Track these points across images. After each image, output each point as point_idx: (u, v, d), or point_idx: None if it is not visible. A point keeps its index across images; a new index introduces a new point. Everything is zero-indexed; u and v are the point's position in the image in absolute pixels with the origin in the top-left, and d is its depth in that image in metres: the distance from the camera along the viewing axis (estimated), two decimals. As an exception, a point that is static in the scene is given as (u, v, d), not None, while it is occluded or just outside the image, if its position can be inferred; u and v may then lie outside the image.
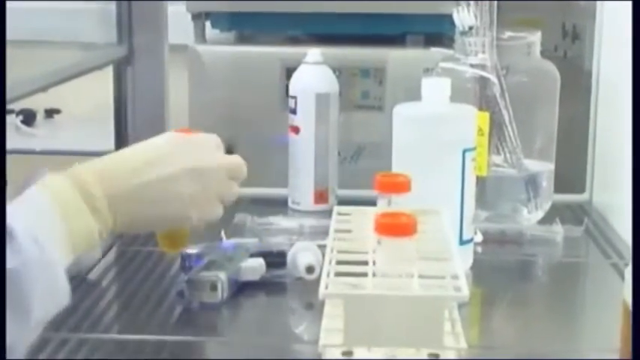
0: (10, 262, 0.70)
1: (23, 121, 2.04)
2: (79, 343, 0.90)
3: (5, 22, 0.82)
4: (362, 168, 1.54)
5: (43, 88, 1.21)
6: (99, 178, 0.81)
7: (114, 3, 1.42)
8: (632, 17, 1.02)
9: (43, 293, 0.73)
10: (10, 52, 1.26)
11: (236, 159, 0.92)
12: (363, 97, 1.55)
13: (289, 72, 1.49)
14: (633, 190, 0.90)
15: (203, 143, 0.90)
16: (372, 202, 0.96)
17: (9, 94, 1.15)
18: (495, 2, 1.21)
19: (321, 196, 1.35)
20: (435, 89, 1.08)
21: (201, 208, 0.87)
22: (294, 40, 1.59)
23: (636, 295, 0.79)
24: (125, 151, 0.87)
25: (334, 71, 1.38)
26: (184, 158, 0.86)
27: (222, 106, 1.58)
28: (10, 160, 2.00)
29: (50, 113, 2.13)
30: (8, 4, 0.88)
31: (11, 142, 1.96)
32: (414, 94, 1.12)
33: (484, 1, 1.21)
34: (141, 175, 0.84)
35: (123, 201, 0.82)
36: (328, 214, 1.20)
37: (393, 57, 1.52)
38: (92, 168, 0.82)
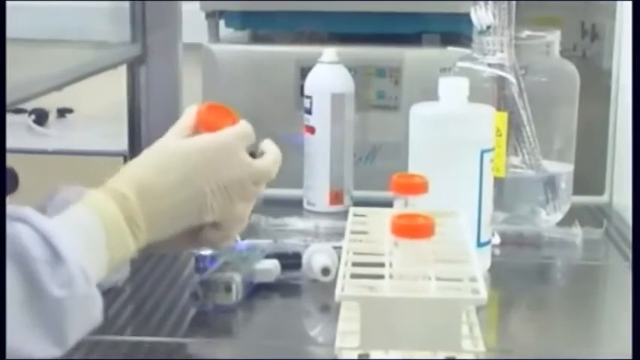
0: (59, 292, 0.73)
1: (35, 121, 2.05)
2: (93, 345, 0.90)
3: (5, 22, 0.82)
4: (377, 169, 1.54)
5: (57, 88, 1.22)
6: (139, 198, 0.83)
7: (128, 1, 1.42)
8: (632, 17, 1.03)
9: (80, 325, 0.75)
10: (23, 51, 1.27)
11: (261, 165, 0.92)
12: (379, 96, 1.55)
13: (304, 71, 1.49)
14: (633, 190, 0.90)
15: (229, 150, 0.90)
16: (387, 204, 0.96)
17: (22, 93, 1.16)
18: (514, 1, 1.21)
19: (336, 197, 1.35)
20: (453, 89, 1.08)
21: (220, 211, 0.88)
22: (309, 40, 1.59)
23: (636, 295, 0.79)
24: (159, 162, 0.87)
25: (349, 71, 1.38)
26: (212, 173, 0.87)
27: (236, 105, 1.57)
28: (23, 160, 2.02)
29: (62, 113, 2.14)
30: (22, 3, 0.89)
31: (23, 142, 1.97)
32: (430, 94, 1.12)
33: (502, 0, 1.21)
34: (174, 195, 0.86)
35: (157, 222, 0.85)
36: (343, 215, 1.20)
37: (410, 56, 1.52)
38: (131, 183, 0.84)
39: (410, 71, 1.52)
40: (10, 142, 2.13)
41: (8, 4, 0.92)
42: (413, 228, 0.83)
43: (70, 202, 0.87)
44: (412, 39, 1.56)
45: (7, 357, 0.69)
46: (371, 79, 1.53)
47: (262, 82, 1.57)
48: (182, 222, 0.87)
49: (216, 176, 0.88)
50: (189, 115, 0.93)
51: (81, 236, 0.78)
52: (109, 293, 1.03)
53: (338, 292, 0.81)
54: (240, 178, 0.89)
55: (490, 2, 1.21)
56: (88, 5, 1.54)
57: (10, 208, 0.77)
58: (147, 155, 0.88)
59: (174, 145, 0.89)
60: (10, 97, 1.14)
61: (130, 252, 0.83)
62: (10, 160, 1.89)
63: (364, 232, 0.96)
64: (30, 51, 1.31)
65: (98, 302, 0.77)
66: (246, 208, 0.92)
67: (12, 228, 0.73)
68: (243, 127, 0.93)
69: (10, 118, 2.02)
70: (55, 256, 0.73)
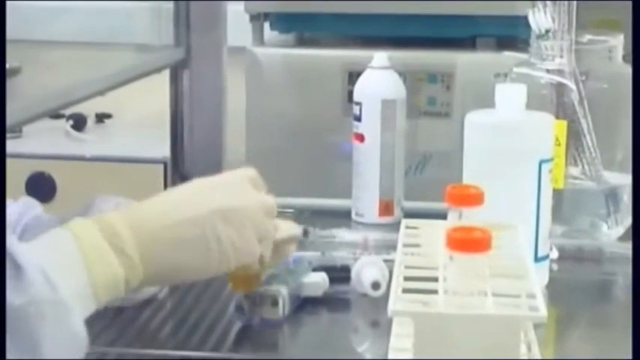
0: (18, 300, 0.71)
1: (73, 126, 2.07)
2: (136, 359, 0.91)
3: (5, 21, 0.84)
4: (427, 179, 1.54)
5: (98, 93, 1.24)
6: (126, 222, 0.81)
7: (171, 3, 1.43)
8: (632, 17, 1.02)
9: (54, 335, 0.73)
10: (64, 55, 1.29)
11: (270, 198, 0.90)
12: (430, 103, 1.55)
13: (351, 76, 1.50)
14: (633, 190, 0.91)
15: (233, 181, 0.89)
16: (438, 215, 0.96)
17: (63, 99, 1.18)
18: (575, 2, 1.21)
19: (386, 208, 1.35)
20: (510, 96, 1.08)
21: (238, 249, 0.85)
22: (356, 43, 1.59)
23: (636, 295, 0.79)
24: (154, 198, 0.86)
25: (398, 76, 1.38)
26: (212, 198, 0.85)
27: (281, 112, 1.59)
28: (60, 166, 2.03)
29: (101, 118, 2.16)
30: (62, 4, 0.90)
31: (61, 148, 2.00)
32: (483, 100, 1.12)
33: (562, 1, 1.20)
34: (167, 218, 0.82)
35: (150, 245, 0.81)
36: (394, 227, 1.20)
37: (463, 61, 1.52)
38: (120, 214, 0.82)
39: (463, 77, 1.52)
40: (48, 148, 2.17)
41: (49, 6, 0.95)
42: (469, 241, 0.83)
43: (104, 212, 0.87)
44: (466, 43, 1.55)
45: None
46: (421, 85, 1.54)
47: (308, 88, 1.58)
48: (185, 252, 0.82)
49: (215, 200, 0.84)
50: None
51: (46, 247, 0.77)
52: (151, 306, 1.05)
53: (390, 306, 0.81)
54: (245, 206, 0.86)
55: (549, 4, 1.21)
56: (129, 6, 1.55)
57: None
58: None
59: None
60: (51, 103, 1.17)
61: (115, 272, 0.78)
62: (48, 166, 1.93)
63: (417, 245, 0.96)
64: (70, 54, 1.33)
65: (74, 312, 0.74)
66: (265, 246, 0.89)
67: None
68: (250, 170, 0.91)
69: (48, 124, 2.05)
70: (15, 268, 0.72)
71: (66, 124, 2.07)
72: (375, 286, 1.06)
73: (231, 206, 0.85)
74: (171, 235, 0.82)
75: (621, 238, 1.25)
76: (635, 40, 1.01)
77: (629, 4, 1.61)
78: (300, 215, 1.35)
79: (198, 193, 0.86)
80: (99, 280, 0.77)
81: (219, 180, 0.90)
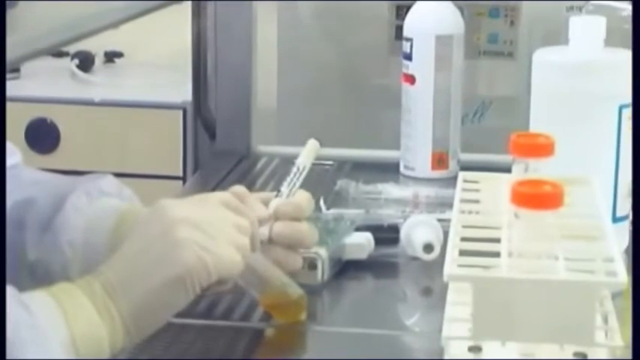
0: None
1: (79, 66, 2.09)
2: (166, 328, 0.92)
3: (5, 21, 0.85)
4: (487, 127, 1.54)
5: (111, 25, 1.24)
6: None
7: None
8: (632, 17, 1.03)
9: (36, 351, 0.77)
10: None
11: (244, 220, 0.90)
12: (491, 40, 1.55)
13: (400, 9, 1.50)
14: (633, 189, 0.91)
15: (203, 199, 0.92)
16: (499, 169, 0.97)
17: (69, 32, 1.19)
18: None
19: (440, 161, 1.36)
20: (586, 31, 1.08)
21: (212, 252, 0.85)
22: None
23: (636, 295, 0.80)
24: (123, 251, 0.87)
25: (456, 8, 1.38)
26: (176, 209, 0.87)
27: (318, 50, 1.60)
28: (65, 112, 2.04)
29: (111, 57, 2.17)
30: None
31: (66, 91, 2.01)
32: (553, 38, 1.12)
33: None
34: (129, 239, 0.86)
35: (118, 274, 0.84)
36: (448, 182, 1.21)
37: (530, -8, 1.52)
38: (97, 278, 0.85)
39: (530, 10, 1.52)
40: (51, 91, 2.19)
41: None
42: (538, 197, 0.84)
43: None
44: (533, -29, 1.55)
45: None
46: (482, 20, 1.54)
47: (349, 22, 1.58)
48: (158, 265, 0.84)
49: (180, 210, 0.86)
50: None
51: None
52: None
53: (446, 270, 0.82)
54: (212, 215, 0.88)
55: None
56: None
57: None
58: None
59: None
60: (53, 38, 1.17)
61: (71, 286, 0.83)
62: (50, 112, 1.95)
63: (476, 202, 0.96)
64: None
65: (53, 338, 0.78)
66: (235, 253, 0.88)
67: None
68: (226, 193, 0.94)
69: (51, 63, 2.07)
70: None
71: (71, 64, 2.09)
72: (428, 248, 1.07)
73: (196, 215, 0.87)
74: (136, 259, 0.85)
75: None
76: (636, 41, 1.02)
77: None
78: (340, 168, 1.36)
79: (159, 209, 0.87)
80: (74, 321, 0.81)
81: (188, 199, 0.92)
